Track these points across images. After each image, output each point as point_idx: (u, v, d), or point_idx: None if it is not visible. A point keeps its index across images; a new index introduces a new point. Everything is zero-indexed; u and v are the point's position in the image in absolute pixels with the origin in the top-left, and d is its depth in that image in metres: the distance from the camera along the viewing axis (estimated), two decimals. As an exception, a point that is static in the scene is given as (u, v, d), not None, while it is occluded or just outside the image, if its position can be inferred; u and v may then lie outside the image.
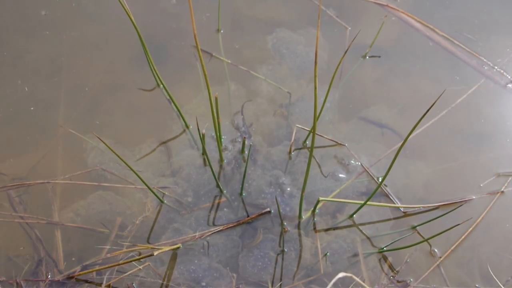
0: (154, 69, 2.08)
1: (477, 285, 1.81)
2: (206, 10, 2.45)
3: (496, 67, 2.32)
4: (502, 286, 1.79)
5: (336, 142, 2.11)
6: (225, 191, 1.98)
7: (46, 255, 1.81)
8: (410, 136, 1.54)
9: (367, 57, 2.36)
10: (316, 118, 1.50)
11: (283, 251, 1.85)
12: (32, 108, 2.15)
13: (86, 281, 1.76)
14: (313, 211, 1.93)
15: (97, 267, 1.77)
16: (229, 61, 2.31)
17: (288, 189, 1.98)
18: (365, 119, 2.19)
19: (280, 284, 1.79)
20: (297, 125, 2.12)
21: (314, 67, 1.36)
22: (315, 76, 1.38)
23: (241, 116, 2.17)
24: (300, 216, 1.91)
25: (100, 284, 1.74)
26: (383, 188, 1.99)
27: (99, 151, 2.05)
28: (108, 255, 1.81)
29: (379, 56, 2.36)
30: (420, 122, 1.48)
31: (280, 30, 2.43)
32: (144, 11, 2.47)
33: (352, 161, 2.06)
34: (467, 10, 2.54)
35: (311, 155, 1.63)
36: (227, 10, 2.47)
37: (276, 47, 2.38)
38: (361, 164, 2.05)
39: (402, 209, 1.95)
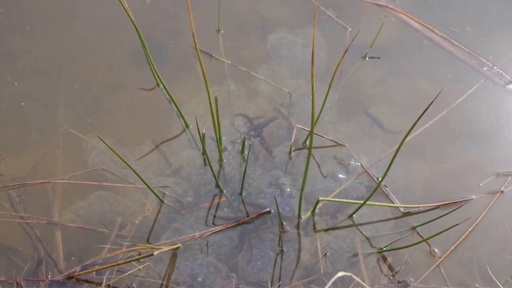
0: (154, 69, 2.08)
1: (476, 285, 1.80)
2: (198, 9, 2.45)
3: (495, 68, 2.32)
4: (501, 286, 1.78)
5: (336, 142, 2.11)
6: (225, 191, 1.98)
7: (46, 255, 1.81)
8: (411, 136, 1.54)
9: (367, 58, 2.36)
10: (314, 118, 1.50)
11: (282, 251, 1.85)
12: (23, 104, 2.15)
13: (86, 281, 1.76)
14: (313, 211, 1.93)
15: (97, 267, 1.77)
16: (229, 62, 2.32)
17: (288, 189, 1.98)
18: (365, 111, 2.19)
19: (280, 284, 1.79)
20: (297, 125, 2.12)
21: (311, 67, 1.36)
22: (312, 76, 1.38)
23: (245, 117, 2.17)
24: (299, 216, 1.91)
25: (100, 284, 1.74)
26: (383, 188, 1.99)
27: (99, 151, 2.05)
28: (108, 255, 1.81)
29: (379, 58, 2.36)
30: (418, 122, 1.48)
31: (280, 31, 2.44)
32: (141, 10, 2.48)
33: (352, 161, 2.06)
34: (466, 10, 2.54)
35: (309, 155, 1.63)
36: (226, 9, 2.47)
37: (275, 47, 2.38)
38: (361, 164, 2.05)
39: (401, 209, 1.95)
